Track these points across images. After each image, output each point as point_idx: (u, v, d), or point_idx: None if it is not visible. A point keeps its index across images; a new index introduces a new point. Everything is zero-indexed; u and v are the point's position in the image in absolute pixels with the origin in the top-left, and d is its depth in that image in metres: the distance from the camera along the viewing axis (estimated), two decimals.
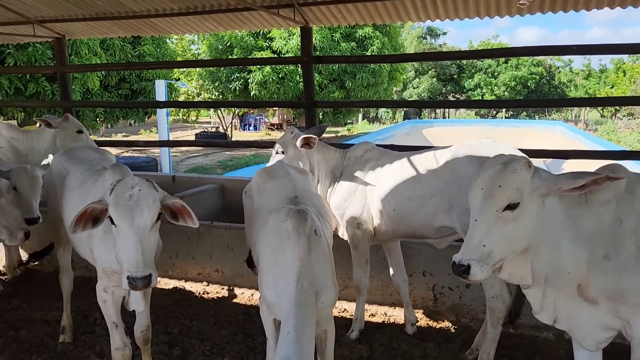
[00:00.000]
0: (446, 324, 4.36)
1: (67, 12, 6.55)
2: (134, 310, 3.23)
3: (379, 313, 4.60)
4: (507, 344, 3.92)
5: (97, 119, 17.78)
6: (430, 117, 41.66)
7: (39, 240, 5.86)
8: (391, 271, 4.22)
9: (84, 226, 2.53)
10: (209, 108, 28.47)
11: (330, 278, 2.61)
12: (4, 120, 17.87)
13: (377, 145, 4.29)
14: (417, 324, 4.27)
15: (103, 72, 16.25)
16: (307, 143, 3.96)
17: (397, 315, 4.51)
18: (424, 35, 43.13)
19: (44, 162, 4.53)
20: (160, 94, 14.83)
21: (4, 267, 5.64)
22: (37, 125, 5.84)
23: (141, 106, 16.95)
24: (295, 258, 2.44)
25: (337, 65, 21.68)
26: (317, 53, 20.40)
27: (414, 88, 41.42)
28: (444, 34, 44.58)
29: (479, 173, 2.30)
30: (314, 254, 2.53)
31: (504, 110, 39.34)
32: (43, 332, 4.29)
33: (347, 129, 33.27)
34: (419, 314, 4.49)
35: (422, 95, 40.37)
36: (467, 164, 3.43)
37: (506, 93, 39.53)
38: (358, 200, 3.86)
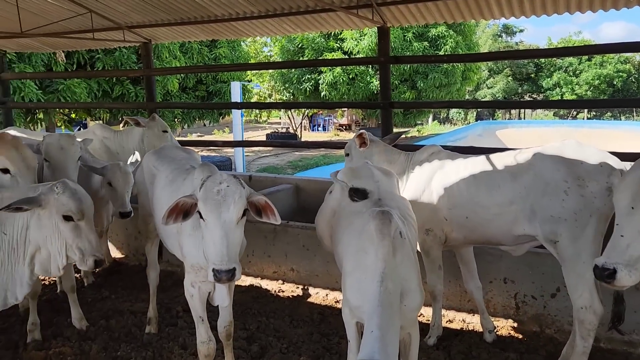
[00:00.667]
0: (529, 334, 4.16)
1: (154, 17, 6.88)
2: (216, 306, 3.33)
3: (456, 319, 4.47)
4: (598, 359, 3.69)
5: (175, 120, 18.61)
6: (505, 118, 40.17)
7: (125, 234, 6.23)
8: (464, 277, 4.09)
9: (175, 219, 2.63)
10: (285, 109, 28.95)
11: (415, 281, 2.57)
12: (90, 120, 19.11)
13: (445, 147, 4.16)
14: (497, 332, 4.12)
15: (182, 75, 16.99)
16: (363, 142, 4.01)
17: (476, 322, 4.36)
18: (499, 34, 41.65)
19: (131, 159, 4.77)
20: (236, 95, 15.28)
21: None
22: (122, 125, 6.18)
23: (221, 107, 17.59)
24: (379, 259, 2.42)
25: (408, 66, 21.40)
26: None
27: (488, 88, 40.09)
28: (521, 31, 42.84)
29: (626, 175, 2.22)
30: (399, 256, 2.49)
31: (585, 110, 37.21)
32: (130, 322, 4.50)
33: (417, 130, 32.77)
34: (500, 322, 4.32)
35: (497, 95, 38.98)
36: (551, 167, 3.23)
37: (589, 92, 37.26)
38: (425, 205, 3.74)
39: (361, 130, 4.08)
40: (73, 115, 16.38)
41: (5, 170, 3.32)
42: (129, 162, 4.53)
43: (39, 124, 14.54)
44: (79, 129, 17.35)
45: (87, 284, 5.41)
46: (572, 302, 3.24)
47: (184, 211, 2.64)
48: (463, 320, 4.44)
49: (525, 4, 5.21)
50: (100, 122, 16.88)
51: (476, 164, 3.63)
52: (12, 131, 5.18)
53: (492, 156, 3.64)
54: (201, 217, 2.60)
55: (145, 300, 4.92)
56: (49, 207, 2.88)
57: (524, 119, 39.72)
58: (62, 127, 16.80)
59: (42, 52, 10.90)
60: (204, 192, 2.57)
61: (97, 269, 3.16)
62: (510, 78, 39.95)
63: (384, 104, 6.05)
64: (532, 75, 40.28)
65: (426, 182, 3.79)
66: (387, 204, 2.81)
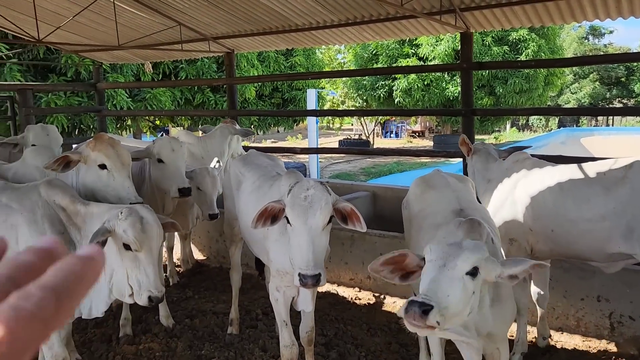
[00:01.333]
0: (625, 356, 3.89)
1: (238, 28, 7.13)
2: (298, 311, 3.38)
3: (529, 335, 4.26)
4: None
5: (252, 126, 19.15)
6: (591, 125, 37.90)
7: (208, 237, 6.47)
8: (533, 282, 3.89)
9: (264, 223, 2.69)
10: (361, 116, 28.92)
11: (507, 290, 2.47)
12: (172, 126, 20.08)
13: (532, 155, 3.99)
14: (549, 339, 3.99)
15: (259, 83, 17.48)
16: (468, 150, 3.98)
17: (564, 341, 4.14)
18: (585, 36, 39.42)
19: (212, 164, 4.96)
20: (311, 103, 15.49)
21: (179, 259, 6.28)
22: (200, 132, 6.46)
23: (298, 115, 17.94)
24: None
25: (487, 71, 20.75)
26: None
27: (572, 93, 37.98)
28: (610, 32, 40.24)
29: None
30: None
31: None
32: (213, 322, 4.67)
33: (495, 137, 31.64)
34: (592, 342, 4.06)
35: (582, 101, 36.84)
36: None
37: None
38: (508, 214, 3.59)
39: (462, 135, 4.02)
40: (157, 122, 17.30)
41: (103, 166, 3.49)
42: (212, 167, 4.74)
43: (127, 130, 15.47)
44: (162, 135, 18.32)
45: (172, 284, 5.66)
46: None
47: (271, 216, 2.69)
48: (550, 338, 4.22)
49: (623, 5, 4.90)
50: (182, 129, 17.73)
51: (563, 174, 3.44)
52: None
53: (582, 166, 3.44)
54: (288, 222, 2.65)
55: (225, 301, 5.09)
56: (114, 233, 2.74)
57: (612, 126, 37.28)
58: (147, 133, 17.79)
59: (133, 62, 11.63)
60: (291, 198, 2.61)
61: (152, 306, 2.95)
62: (597, 83, 37.62)
63: (465, 111, 5.90)
64: (623, 79, 37.69)
65: (510, 189, 3.65)
66: (471, 214, 2.72)
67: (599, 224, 3.17)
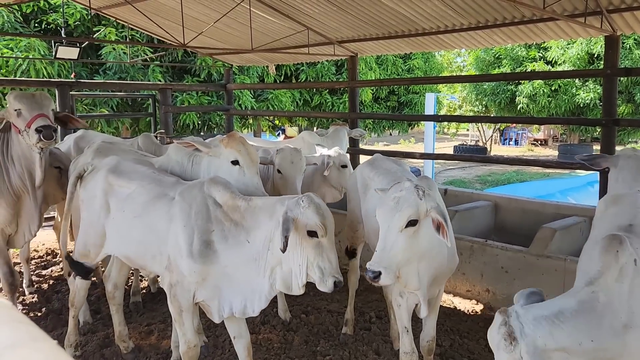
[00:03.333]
0: None
1: (363, 32, 7.22)
2: (419, 320, 3.34)
3: None
4: None
5: (366, 128, 19.27)
6: None
7: None
8: None
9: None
10: (489, 123, 27.63)
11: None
12: (289, 126, 20.81)
13: None
14: None
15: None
16: None
17: None
18: None
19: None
20: (430, 107, 15.23)
21: None
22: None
23: (417, 119, 17.89)
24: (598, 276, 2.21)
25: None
26: (600, 62, 18.16)
27: None
28: None
29: None
30: (626, 283, 2.21)
31: None
32: (328, 320, 4.77)
33: (632, 149, 28.73)
34: None
35: None
36: None
37: None
38: None
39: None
40: (277, 122, 18.04)
41: (235, 162, 3.64)
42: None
43: (249, 128, 16.32)
44: (279, 134, 19.06)
45: None
46: None
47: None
48: None
49: None
50: (296, 129, 18.32)
51: None
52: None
53: None
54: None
55: (339, 300, 5.17)
56: (297, 222, 2.73)
57: None
58: (267, 132, 18.62)
59: (260, 65, 12.24)
60: (383, 197, 2.76)
61: (336, 290, 2.87)
62: None
63: (606, 121, 5.43)
64: None
65: None
66: (636, 231, 2.51)
67: None
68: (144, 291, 5.46)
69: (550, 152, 28.53)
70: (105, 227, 3.48)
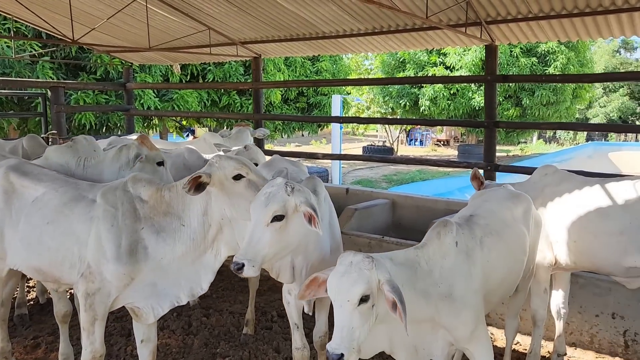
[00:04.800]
0: None
1: (265, 34, 7.27)
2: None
3: (543, 349, 4.24)
4: None
5: (276, 130, 19.33)
6: (620, 140, 37.09)
7: None
8: (552, 299, 3.91)
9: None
10: (386, 124, 28.88)
11: (459, 290, 2.62)
12: (198, 127, 20.39)
13: (563, 169, 3.99)
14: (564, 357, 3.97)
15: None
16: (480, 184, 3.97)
17: (577, 356, 4.12)
18: (617, 49, 38.69)
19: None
20: (336, 109, 15.57)
21: None
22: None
23: (322, 120, 18.06)
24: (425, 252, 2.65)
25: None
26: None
27: (601, 107, 37.28)
28: None
29: None
30: (448, 260, 2.61)
31: None
32: (229, 321, 4.77)
33: (520, 149, 31.25)
34: (605, 359, 4.04)
35: (611, 115, 36.13)
36: None
37: None
38: None
39: (474, 169, 3.99)
40: (184, 122, 17.59)
41: (161, 164, 3.70)
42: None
43: (154, 130, 15.78)
44: (188, 136, 18.62)
45: None
46: None
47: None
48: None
49: (638, 23, 4.87)
50: (207, 130, 18.01)
51: (588, 188, 3.52)
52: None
53: (605, 180, 3.51)
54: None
55: (242, 301, 5.18)
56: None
57: None
58: (174, 133, 18.10)
59: (162, 64, 11.88)
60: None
61: None
62: (627, 97, 36.87)
63: (488, 123, 5.90)
64: None
65: (536, 201, 3.68)
66: (474, 221, 2.90)
67: (617, 237, 3.26)
68: (31, 303, 5.14)
69: (451, 152, 30.25)
70: (3, 234, 3.18)
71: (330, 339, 2.25)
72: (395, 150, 28.24)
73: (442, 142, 34.72)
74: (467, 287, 2.59)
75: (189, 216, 2.94)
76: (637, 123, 36.45)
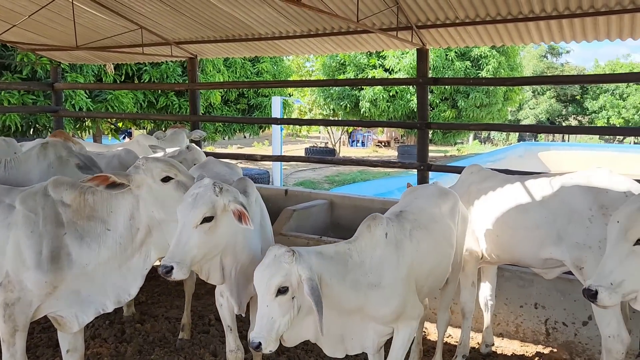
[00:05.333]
0: None
1: (201, 34, 7.17)
2: (247, 317, 3.44)
3: (473, 340, 4.44)
4: None
5: (217, 131, 19.07)
6: (548, 140, 39.25)
7: None
8: (481, 291, 4.14)
9: None
10: (323, 126, 29.19)
11: (386, 279, 2.73)
12: (136, 129, 19.81)
13: (487, 168, 4.23)
14: (492, 347, 4.20)
15: (224, 88, 17.43)
16: None
17: (504, 346, 4.33)
18: (544, 54, 40.89)
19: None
20: (276, 110, 15.56)
21: None
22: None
23: (261, 122, 17.96)
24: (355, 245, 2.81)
25: (450, 85, 21.33)
26: (431, 72, 20.22)
27: (530, 109, 39.32)
28: (567, 52, 41.94)
29: (621, 207, 2.42)
30: (378, 252, 2.75)
31: None
32: (165, 327, 4.66)
33: (457, 149, 32.43)
34: (529, 347, 4.27)
35: (540, 116, 38.19)
36: (578, 195, 3.31)
37: (636, 117, 36.07)
38: None
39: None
40: (120, 124, 17.01)
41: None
42: None
43: (87, 132, 15.17)
44: (124, 138, 18.04)
45: None
46: (600, 330, 3.25)
47: None
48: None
49: (565, 30, 5.20)
50: (142, 131, 17.51)
51: (509, 185, 3.73)
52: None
53: (526, 179, 3.71)
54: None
55: (179, 306, 5.09)
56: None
57: (568, 141, 38.72)
58: (110, 135, 17.47)
59: (93, 63, 11.45)
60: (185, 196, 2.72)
61: None
62: (554, 100, 39.09)
63: (420, 124, 6.09)
64: (578, 97, 39.30)
65: (463, 198, 3.86)
66: (404, 216, 3.05)
67: (534, 231, 3.47)
68: None
69: (392, 153, 30.92)
70: None
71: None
72: (338, 151, 28.55)
73: (383, 143, 35.44)
74: (396, 276, 2.72)
75: (115, 220, 2.87)
76: (564, 124, 38.74)
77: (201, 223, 2.60)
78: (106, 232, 2.85)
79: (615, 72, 33.63)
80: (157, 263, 2.97)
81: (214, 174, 3.82)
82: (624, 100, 37.05)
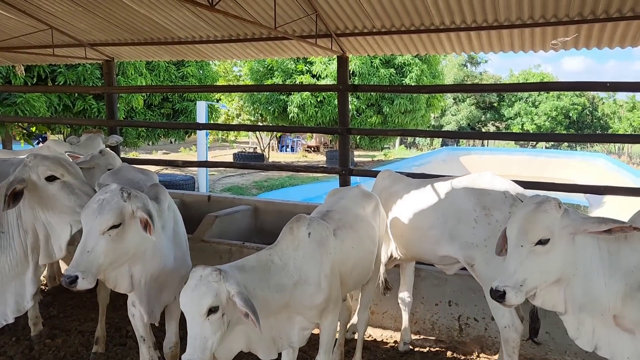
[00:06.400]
0: (471, 355, 4.32)
1: (117, 36, 6.93)
2: (164, 326, 3.36)
3: (391, 339, 4.60)
4: None
5: (139, 137, 18.43)
6: (469, 145, 41.28)
7: None
8: (400, 289, 4.36)
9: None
10: (247, 131, 28.99)
11: (312, 277, 2.81)
12: (51, 134, 18.77)
13: (397, 173, 4.48)
14: (409, 344, 4.41)
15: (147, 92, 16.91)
16: None
17: (421, 344, 4.50)
18: (464, 63, 42.98)
19: None
20: (201, 115, 15.28)
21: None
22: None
23: (184, 127, 17.53)
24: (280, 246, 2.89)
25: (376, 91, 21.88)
26: (356, 79, 20.66)
27: (452, 115, 41.21)
28: (485, 62, 44.44)
29: (516, 210, 2.56)
30: (300, 252, 2.83)
31: None
32: (77, 341, 4.45)
33: (384, 154, 33.28)
34: (444, 343, 4.46)
35: (461, 122, 40.12)
36: (464, 197, 3.56)
37: (547, 123, 38.88)
38: None
39: None
40: (33, 129, 16.02)
41: None
42: None
43: None
44: (38, 143, 17.01)
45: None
46: (497, 322, 3.49)
47: None
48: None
49: (483, 41, 5.50)
50: (57, 136, 16.62)
51: (412, 189, 3.98)
52: None
53: (427, 182, 3.98)
54: None
55: (94, 319, 4.84)
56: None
57: (487, 146, 40.94)
58: (22, 141, 16.41)
59: (1, 65, 10.74)
60: (89, 201, 2.64)
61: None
62: (473, 107, 41.25)
63: (341, 130, 6.23)
64: (495, 104, 41.73)
65: None
66: (329, 215, 3.17)
67: (429, 231, 3.72)
68: None
69: (321, 158, 31.21)
70: None
71: (182, 349, 2.25)
72: (267, 156, 28.43)
73: (312, 148, 35.69)
74: (320, 272, 2.82)
75: (7, 221, 2.76)
76: (483, 130, 40.90)
77: (108, 230, 2.52)
78: (0, 235, 2.74)
79: (528, 82, 36.11)
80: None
81: (127, 180, 3.71)
82: (536, 108, 39.80)
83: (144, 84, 15.68)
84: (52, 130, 16.87)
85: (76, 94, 14.54)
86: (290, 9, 5.37)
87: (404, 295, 4.37)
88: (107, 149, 5.06)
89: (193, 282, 2.33)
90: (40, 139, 20.53)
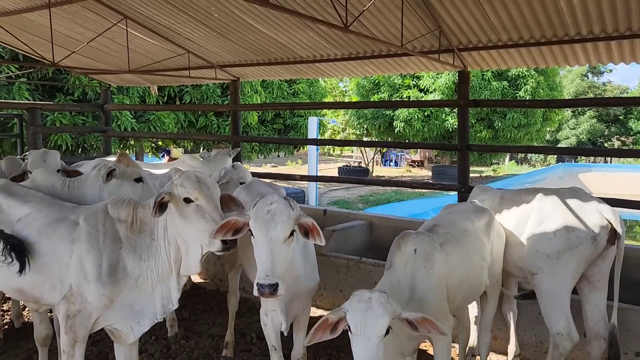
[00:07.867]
0: None
1: (244, 57, 7.38)
2: (291, 337, 3.49)
3: None
4: None
5: (253, 150, 19.39)
6: (589, 161, 38.21)
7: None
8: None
9: (225, 234, 2.75)
10: (361, 146, 29.28)
11: None
12: (174, 147, 20.33)
13: (490, 186, 4.41)
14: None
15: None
16: None
17: None
18: (585, 73, 40.05)
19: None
20: (312, 130, 15.72)
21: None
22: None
23: (299, 142, 18.23)
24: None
25: None
26: None
27: (570, 129, 38.38)
28: (610, 71, 41.01)
29: None
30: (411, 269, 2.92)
31: None
32: (208, 344, 4.74)
33: (493, 170, 31.89)
34: None
35: (581, 137, 37.24)
36: (547, 209, 3.62)
37: None
38: None
39: None
40: (160, 143, 17.52)
41: (139, 180, 3.81)
42: None
43: (130, 150, 15.67)
44: (163, 156, 18.51)
45: None
46: (549, 327, 3.38)
47: (234, 229, 2.76)
48: None
49: (613, 52, 5.14)
50: (182, 150, 17.93)
51: (507, 201, 3.93)
52: None
53: (519, 192, 3.96)
54: (252, 234, 2.71)
55: (221, 324, 5.16)
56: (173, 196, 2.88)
57: (611, 162, 37.62)
58: (150, 153, 17.99)
59: (140, 85, 11.90)
60: (255, 211, 2.71)
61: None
62: (595, 120, 38.08)
63: (461, 146, 6.08)
64: (621, 117, 38.18)
65: None
66: (435, 230, 3.24)
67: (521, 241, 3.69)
68: (6, 327, 5.03)
69: (425, 173, 30.67)
70: None
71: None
72: (371, 171, 28.49)
73: (416, 163, 35.20)
74: (426, 286, 2.86)
75: (157, 230, 3.00)
76: (606, 145, 37.69)
77: (288, 237, 2.68)
78: (152, 242, 2.99)
79: None
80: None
81: (259, 194, 3.90)
82: None
83: (259, 101, 16.53)
84: (176, 144, 18.33)
85: (199, 112, 15.71)
86: (414, 27, 5.39)
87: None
88: (239, 163, 5.38)
89: (363, 304, 2.34)
90: (165, 152, 22.34)
